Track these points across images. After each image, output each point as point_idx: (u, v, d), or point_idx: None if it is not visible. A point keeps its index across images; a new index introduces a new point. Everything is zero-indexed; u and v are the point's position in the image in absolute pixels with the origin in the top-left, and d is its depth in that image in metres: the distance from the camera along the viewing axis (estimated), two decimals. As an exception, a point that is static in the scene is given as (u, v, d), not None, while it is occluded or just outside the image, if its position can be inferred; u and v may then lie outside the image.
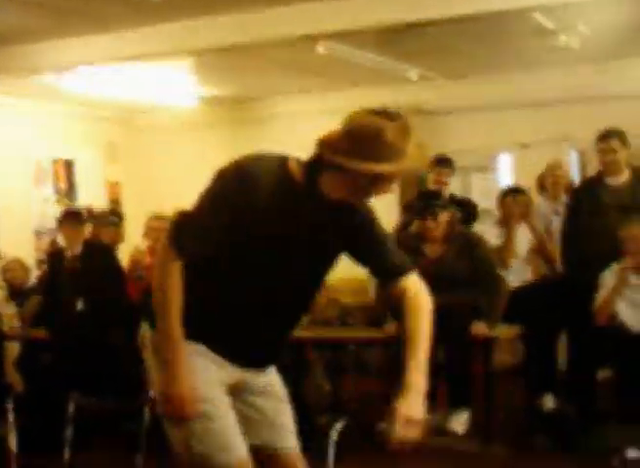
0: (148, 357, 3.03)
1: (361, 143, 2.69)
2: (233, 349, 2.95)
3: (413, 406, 2.81)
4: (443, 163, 7.53)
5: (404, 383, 2.85)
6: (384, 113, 2.74)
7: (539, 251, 6.91)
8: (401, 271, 3.03)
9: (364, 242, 3.02)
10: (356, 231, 2.99)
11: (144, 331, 3.05)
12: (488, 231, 6.93)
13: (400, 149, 2.70)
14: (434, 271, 5.84)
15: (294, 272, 2.92)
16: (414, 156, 2.75)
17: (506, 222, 6.85)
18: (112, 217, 8.40)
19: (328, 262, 3.05)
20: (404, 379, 2.86)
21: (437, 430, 5.70)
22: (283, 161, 2.87)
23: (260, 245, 2.83)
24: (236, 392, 3.02)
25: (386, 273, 3.07)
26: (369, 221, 3.02)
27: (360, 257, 3.07)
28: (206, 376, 2.88)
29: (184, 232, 2.85)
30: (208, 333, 2.90)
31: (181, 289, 2.84)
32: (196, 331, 2.85)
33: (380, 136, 2.68)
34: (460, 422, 6.03)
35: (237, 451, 2.88)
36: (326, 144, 2.77)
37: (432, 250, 6.09)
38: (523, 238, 6.82)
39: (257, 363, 3.05)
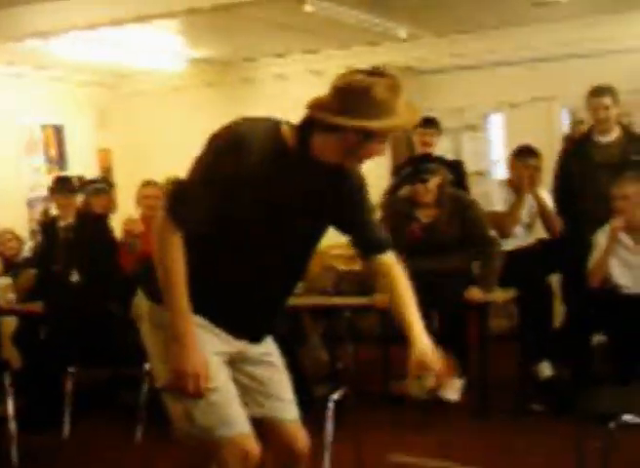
0: (144, 327, 3.04)
1: (350, 100, 2.69)
2: (229, 319, 2.97)
3: (427, 349, 2.91)
4: (427, 123, 7.25)
5: (412, 338, 2.94)
6: (373, 72, 2.75)
7: (543, 220, 6.48)
8: (383, 246, 3.08)
9: (350, 209, 3.03)
10: (344, 197, 2.99)
11: (139, 300, 3.06)
12: (493, 194, 6.65)
13: (390, 106, 2.71)
14: (428, 236, 5.88)
15: (287, 238, 2.93)
16: (404, 114, 2.76)
17: (515, 187, 6.43)
18: (102, 185, 8.36)
19: (321, 228, 3.06)
20: (410, 335, 2.95)
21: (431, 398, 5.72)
22: (276, 125, 2.86)
23: (254, 211, 2.83)
24: (235, 363, 3.04)
25: (368, 245, 3.10)
26: (358, 189, 3.04)
27: (343, 225, 3.09)
28: (206, 348, 2.89)
29: (181, 202, 2.84)
30: (203, 305, 2.89)
31: (184, 260, 2.83)
32: (192, 302, 2.84)
33: (370, 93, 2.68)
34: (453, 390, 6.01)
35: (239, 425, 2.90)
36: (316, 106, 2.78)
37: (425, 214, 6.03)
38: (526, 203, 6.40)
39: (253, 332, 3.07)
